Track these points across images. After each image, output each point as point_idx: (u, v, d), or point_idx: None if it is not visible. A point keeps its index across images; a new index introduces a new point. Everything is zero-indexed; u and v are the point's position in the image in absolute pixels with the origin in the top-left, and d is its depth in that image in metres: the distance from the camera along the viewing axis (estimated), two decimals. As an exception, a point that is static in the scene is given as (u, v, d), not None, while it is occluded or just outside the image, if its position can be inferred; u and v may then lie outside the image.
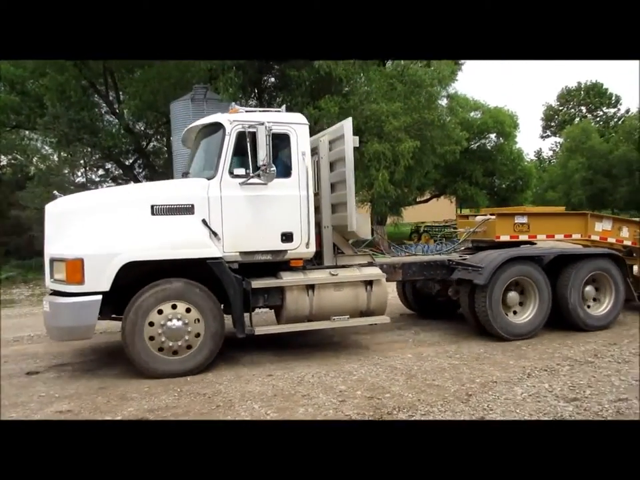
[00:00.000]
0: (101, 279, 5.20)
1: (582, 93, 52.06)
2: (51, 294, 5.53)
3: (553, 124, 53.87)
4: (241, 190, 5.77)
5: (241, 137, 5.77)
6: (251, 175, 5.68)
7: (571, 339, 6.78)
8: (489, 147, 27.18)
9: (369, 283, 6.34)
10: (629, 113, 46.84)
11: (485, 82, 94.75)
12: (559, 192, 39.31)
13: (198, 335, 5.55)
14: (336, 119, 15.90)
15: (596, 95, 51.22)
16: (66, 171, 18.46)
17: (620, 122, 47.08)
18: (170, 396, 4.98)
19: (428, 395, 4.80)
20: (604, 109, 51.61)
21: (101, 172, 19.59)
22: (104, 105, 20.24)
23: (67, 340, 6.31)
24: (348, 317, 6.22)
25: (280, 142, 5.96)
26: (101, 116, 20.23)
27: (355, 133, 13.25)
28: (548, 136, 54.78)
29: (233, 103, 6.44)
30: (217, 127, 5.96)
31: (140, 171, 22.50)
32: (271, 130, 5.53)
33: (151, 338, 5.41)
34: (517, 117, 27.37)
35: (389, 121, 15.16)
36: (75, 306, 5.18)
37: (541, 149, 53.56)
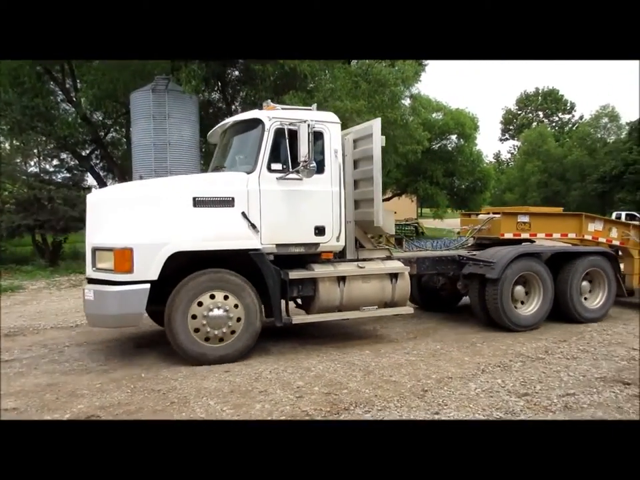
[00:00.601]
0: (149, 268, 5.33)
1: (540, 98, 53.81)
2: (90, 282, 5.57)
3: (511, 127, 55.44)
4: (278, 184, 5.96)
5: (278, 133, 5.98)
6: (291, 170, 5.88)
7: (524, 337, 6.97)
8: (449, 148, 27.74)
9: (394, 276, 6.65)
10: (583, 120, 48.64)
11: (447, 84, 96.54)
12: (515, 194, 40.54)
13: (239, 320, 5.75)
14: (300, 115, 15.92)
15: (553, 100, 53.04)
16: (18, 160, 17.71)
17: (574, 128, 48.80)
18: (123, 392, 4.85)
19: (385, 391, 4.84)
20: (559, 114, 53.40)
21: (55, 162, 18.88)
22: (60, 92, 19.57)
23: (112, 327, 6.53)
24: (376, 307, 6.53)
25: (315, 139, 6.07)
26: (56, 104, 19.55)
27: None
28: (507, 139, 56.46)
29: (269, 100, 6.59)
30: (256, 122, 6.15)
31: (97, 162, 21.88)
32: (313, 128, 5.77)
33: (196, 330, 5.58)
34: (477, 119, 28.04)
35: (353, 118, 15.20)
36: (124, 294, 5.29)
37: (499, 151, 55.29)
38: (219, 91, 19.65)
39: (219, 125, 7.21)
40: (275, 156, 6.02)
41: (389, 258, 7.01)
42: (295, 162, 5.85)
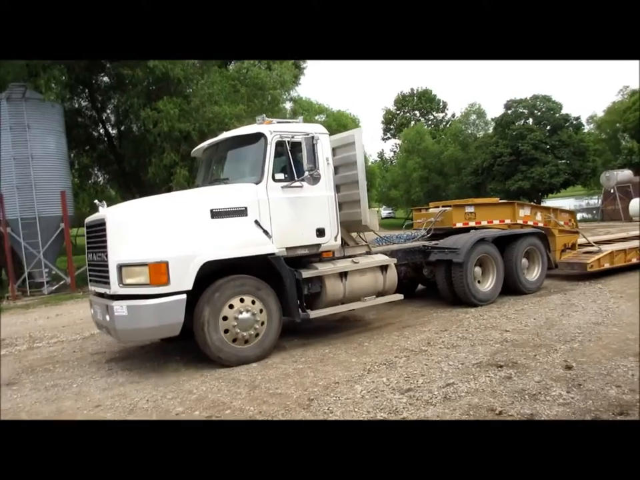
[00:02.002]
0: (184, 279, 5.62)
1: (415, 98, 56.80)
2: (115, 298, 5.69)
3: (392, 127, 57.99)
4: (283, 192, 6.43)
5: (279, 145, 6.46)
6: (296, 179, 6.41)
7: (408, 330, 7.14)
8: (334, 149, 28.21)
9: (384, 268, 7.32)
10: (455, 117, 52.15)
11: (329, 86, 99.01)
12: (400, 190, 42.38)
13: (263, 324, 6.16)
14: (177, 121, 15.27)
15: (427, 100, 56.26)
16: None
17: (447, 125, 52.20)
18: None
19: (270, 406, 4.64)
20: (434, 113, 56.84)
21: None
22: None
23: (150, 339, 7.04)
24: (374, 296, 7.18)
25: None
26: None
27: (199, 137, 12.49)
28: (388, 138, 58.92)
29: (263, 115, 6.95)
30: (257, 136, 6.57)
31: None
32: (318, 140, 6.37)
33: (226, 331, 5.90)
34: (358, 120, 28.98)
35: (232, 123, 14.87)
36: (163, 306, 5.55)
37: (383, 150, 57.67)
38: (88, 99, 18.32)
39: (210, 140, 7.62)
40: (277, 166, 6.49)
41: (368, 253, 7.59)
42: (299, 171, 6.41)
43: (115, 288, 5.69)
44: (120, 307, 5.63)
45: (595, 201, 39.42)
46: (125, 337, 6.08)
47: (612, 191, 30.00)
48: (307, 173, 6.31)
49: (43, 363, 6.95)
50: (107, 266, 5.75)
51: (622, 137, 45.06)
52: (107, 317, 5.83)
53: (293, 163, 6.44)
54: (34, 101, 14.56)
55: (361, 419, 4.23)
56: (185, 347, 7.11)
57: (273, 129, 6.54)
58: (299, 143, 6.34)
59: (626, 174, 30.13)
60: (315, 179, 6.36)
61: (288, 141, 6.48)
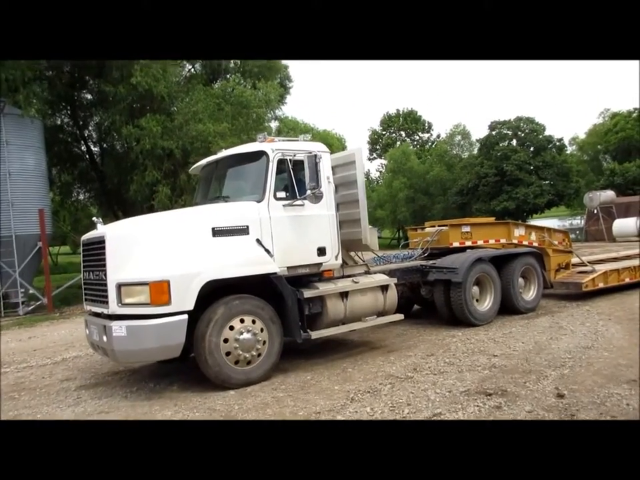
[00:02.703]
0: (186, 298, 5.47)
1: (401, 119, 57.24)
2: (113, 318, 5.53)
3: (378, 147, 58.28)
4: (284, 211, 6.35)
5: (280, 163, 6.37)
6: (298, 197, 6.33)
7: (394, 355, 6.89)
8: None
9: (384, 288, 7.20)
10: (440, 138, 52.64)
11: (314, 106, 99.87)
12: (386, 210, 42.38)
13: (264, 343, 6.00)
14: (159, 139, 15.05)
15: (412, 121, 56.70)
16: None
17: (433, 146, 52.65)
18: None
19: (246, 439, 4.33)
20: (419, 133, 57.32)
21: None
22: None
23: (150, 361, 6.66)
24: (375, 316, 7.05)
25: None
26: None
27: (182, 155, 12.10)
28: (374, 158, 59.10)
29: (265, 133, 6.84)
30: (259, 154, 6.48)
31: None
32: (320, 158, 6.28)
33: (227, 353, 5.73)
34: (344, 140, 28.99)
35: (216, 141, 14.68)
36: (164, 326, 5.38)
37: (369, 170, 57.38)
38: (69, 115, 18.03)
39: (209, 158, 7.48)
40: (278, 185, 6.39)
41: (367, 272, 7.48)
42: (301, 189, 6.32)
43: (113, 307, 5.53)
44: (119, 328, 5.47)
45: (578, 221, 39.78)
46: (123, 359, 5.91)
47: (595, 211, 30.25)
48: (309, 192, 6.25)
49: (9, 390, 6.56)
50: (105, 285, 5.59)
51: (603, 159, 45.85)
52: (104, 338, 5.63)
53: (294, 181, 6.37)
54: (12, 116, 14.23)
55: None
56: (160, 373, 6.80)
57: (274, 147, 6.47)
58: (301, 162, 6.30)
59: (609, 195, 30.46)
60: (317, 198, 6.34)
61: (290, 159, 6.41)
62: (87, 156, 19.61)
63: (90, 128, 18.81)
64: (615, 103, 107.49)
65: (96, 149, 19.80)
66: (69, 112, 18.01)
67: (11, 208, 14.20)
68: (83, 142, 19.21)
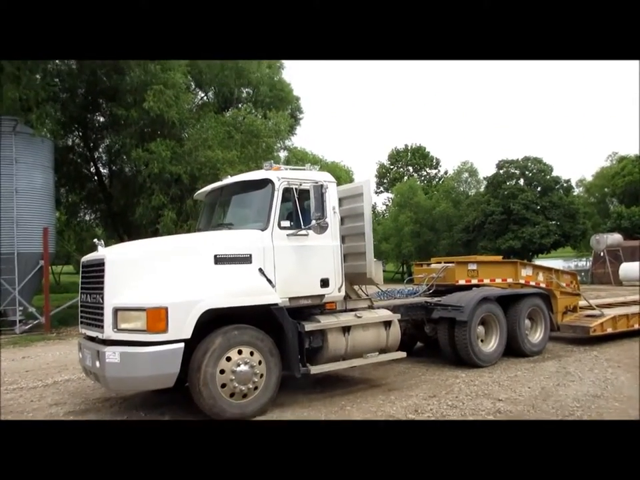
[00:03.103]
0: (183, 326, 5.30)
1: (409, 154, 57.74)
2: (108, 343, 5.38)
3: (385, 181, 58.62)
4: (288, 240, 6.23)
5: (286, 192, 6.30)
6: (303, 227, 6.20)
7: (394, 394, 6.65)
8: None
9: (387, 324, 7.02)
10: (447, 174, 52.90)
11: (323, 138, 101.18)
12: (391, 244, 42.27)
13: (262, 376, 5.79)
14: (168, 163, 15.11)
15: (420, 156, 57.18)
16: None
17: (440, 182, 52.89)
18: None
19: None
20: (427, 169, 57.69)
21: None
22: None
23: (142, 389, 6.28)
24: (377, 353, 6.86)
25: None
26: None
27: (189, 181, 12.05)
28: (381, 192, 59.40)
29: (271, 161, 6.81)
30: (265, 182, 6.39)
31: None
32: (326, 188, 6.19)
33: (223, 385, 5.52)
34: (352, 172, 29.14)
35: (225, 168, 14.71)
36: (159, 355, 5.21)
37: (375, 203, 57.49)
38: (80, 137, 18.20)
39: (214, 184, 7.40)
40: (283, 213, 6.33)
41: (370, 307, 7.32)
42: (306, 219, 6.21)
43: (108, 332, 5.38)
44: (112, 353, 5.31)
45: (584, 263, 39.51)
46: (114, 386, 5.70)
47: (602, 254, 30.04)
48: (314, 222, 6.11)
49: (-5, 414, 6.34)
50: (101, 308, 5.46)
51: (610, 202, 45.84)
52: (97, 363, 5.47)
53: (299, 210, 6.28)
54: (24, 135, 14.38)
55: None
56: (153, 402, 6.58)
57: (280, 176, 6.39)
58: (307, 191, 6.19)
59: (615, 238, 30.28)
60: (322, 228, 6.17)
61: (295, 188, 6.34)
62: (96, 177, 19.73)
63: (100, 150, 18.96)
64: (623, 147, 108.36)
65: (105, 170, 19.92)
66: (80, 133, 18.19)
67: (15, 225, 14.20)
68: (92, 163, 19.35)
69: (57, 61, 15.39)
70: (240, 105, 20.05)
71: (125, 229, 19.09)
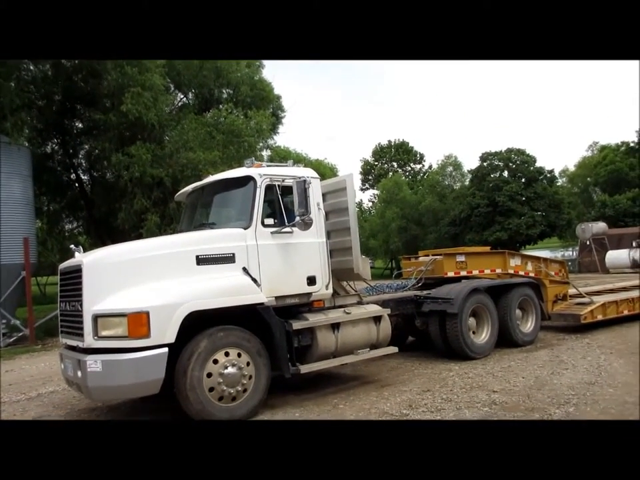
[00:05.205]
0: (167, 331, 5.16)
1: (392, 150, 57.77)
2: (89, 352, 5.19)
3: (370, 177, 58.60)
4: (272, 239, 6.11)
5: (268, 189, 6.17)
6: (287, 224, 6.06)
7: (388, 390, 6.55)
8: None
9: (377, 319, 6.93)
10: (431, 169, 53.01)
11: (307, 136, 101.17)
12: (379, 240, 42.23)
13: (250, 377, 5.65)
14: (149, 167, 14.86)
15: (404, 152, 57.25)
16: None
17: (425, 176, 52.98)
18: None
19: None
20: (411, 164, 57.77)
21: None
22: None
23: (126, 398, 6.14)
24: (368, 349, 6.73)
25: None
26: None
27: (172, 183, 11.81)
28: (367, 188, 59.36)
29: (252, 158, 6.68)
30: (246, 180, 6.25)
31: None
32: (310, 183, 5.97)
33: (211, 389, 5.38)
34: (336, 170, 28.99)
35: (207, 169, 14.49)
36: (142, 361, 5.04)
37: (361, 200, 57.40)
38: (59, 143, 17.85)
39: (195, 184, 7.21)
40: (266, 211, 6.18)
41: (360, 302, 7.20)
42: (289, 216, 6.07)
43: (89, 340, 5.22)
44: (93, 362, 5.14)
45: (570, 253, 39.80)
46: (97, 396, 5.52)
47: (588, 242, 30.25)
48: (298, 218, 5.97)
49: (-24, 430, 6.11)
50: (81, 316, 5.29)
51: (593, 191, 46.25)
52: (79, 373, 5.28)
53: (283, 207, 6.15)
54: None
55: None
56: (140, 409, 6.40)
57: (262, 172, 6.26)
58: (290, 187, 6.04)
59: (600, 226, 30.52)
60: (306, 224, 6.03)
61: (278, 185, 6.21)
62: (77, 184, 19.37)
63: (80, 156, 18.61)
64: (604, 136, 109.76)
65: (85, 177, 19.57)
66: (59, 140, 17.84)
67: (-4, 236, 13.83)
68: (72, 170, 18.97)
69: (32, 67, 15.07)
70: (220, 106, 19.82)
71: (108, 235, 18.76)
